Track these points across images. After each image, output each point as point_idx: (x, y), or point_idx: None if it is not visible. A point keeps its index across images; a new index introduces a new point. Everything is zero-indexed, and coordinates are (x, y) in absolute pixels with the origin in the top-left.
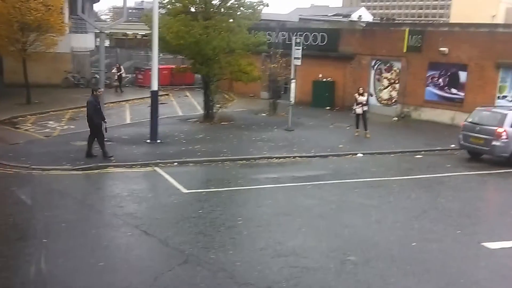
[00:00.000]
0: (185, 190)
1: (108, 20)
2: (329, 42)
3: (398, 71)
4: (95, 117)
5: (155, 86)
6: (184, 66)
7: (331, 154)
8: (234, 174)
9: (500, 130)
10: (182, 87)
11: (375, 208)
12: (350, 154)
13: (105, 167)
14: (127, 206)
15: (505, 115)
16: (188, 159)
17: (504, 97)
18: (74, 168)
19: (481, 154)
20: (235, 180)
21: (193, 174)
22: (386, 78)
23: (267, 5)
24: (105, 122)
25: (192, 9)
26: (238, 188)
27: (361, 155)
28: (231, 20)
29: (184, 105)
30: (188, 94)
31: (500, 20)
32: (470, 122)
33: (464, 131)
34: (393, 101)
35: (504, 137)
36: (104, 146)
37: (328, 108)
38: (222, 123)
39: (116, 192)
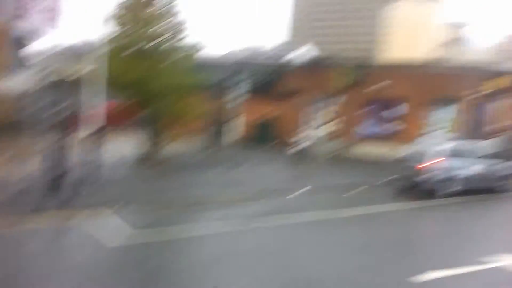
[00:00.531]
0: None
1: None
2: (271, 80)
3: (337, 107)
4: None
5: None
6: (124, 104)
7: (274, 192)
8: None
9: (429, 162)
10: (122, 128)
11: (315, 243)
12: (293, 191)
13: None
14: None
15: (436, 148)
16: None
17: (437, 130)
18: None
19: (416, 187)
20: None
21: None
22: (326, 114)
23: (208, 46)
24: None
25: (136, 47)
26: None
27: (304, 191)
28: (172, 59)
29: (121, 147)
30: (126, 135)
31: (430, 58)
32: (405, 156)
33: (400, 165)
34: (333, 137)
35: (433, 169)
36: None
37: (271, 145)
38: (162, 164)
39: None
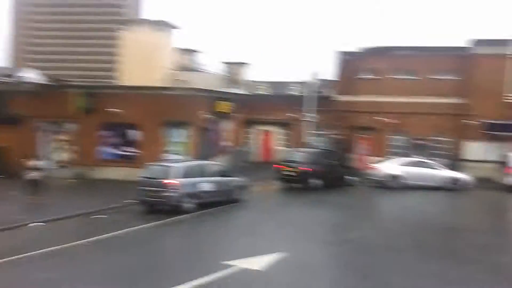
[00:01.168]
0: None
1: None
2: None
3: (72, 132)
4: None
5: None
6: None
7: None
8: None
9: (169, 181)
10: None
11: (56, 281)
12: (23, 224)
13: None
14: None
15: (172, 168)
16: None
17: (171, 151)
18: None
19: (157, 205)
20: None
21: None
22: (61, 140)
23: None
24: None
25: None
26: None
27: (37, 224)
28: None
29: None
30: None
31: (162, 83)
32: (144, 177)
33: (140, 186)
34: (69, 162)
35: (173, 187)
36: None
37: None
38: None
39: None
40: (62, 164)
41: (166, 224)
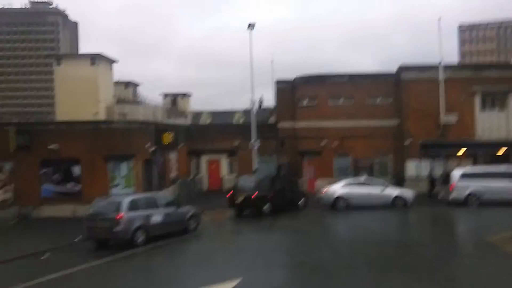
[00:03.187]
0: None
1: None
2: None
3: (9, 171)
4: None
5: None
6: None
7: None
8: None
9: (118, 216)
10: None
11: None
12: None
13: None
14: None
15: (120, 202)
16: None
17: (117, 185)
18: None
19: (107, 241)
20: None
21: None
22: None
23: None
24: None
25: None
26: None
27: None
28: None
29: None
30: None
31: (102, 117)
32: (92, 212)
33: (88, 222)
34: (8, 203)
35: (123, 221)
36: None
37: None
38: None
39: None
40: (2, 205)
41: (117, 260)
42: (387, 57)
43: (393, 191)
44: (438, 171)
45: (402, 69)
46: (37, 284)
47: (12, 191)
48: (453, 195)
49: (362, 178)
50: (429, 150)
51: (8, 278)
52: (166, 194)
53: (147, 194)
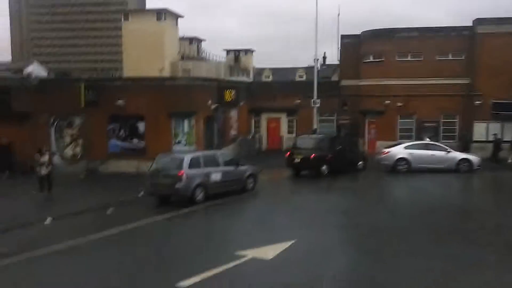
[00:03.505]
0: None
1: None
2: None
3: (79, 126)
4: None
5: None
6: None
7: (14, 226)
8: None
9: (180, 173)
10: None
11: (70, 274)
12: (37, 221)
13: None
14: None
15: (183, 159)
16: None
17: (180, 142)
18: None
19: (169, 197)
20: None
21: None
22: (68, 134)
23: None
24: None
25: None
26: None
27: (50, 220)
28: None
29: None
30: None
31: (167, 73)
32: (154, 169)
33: (151, 178)
34: (78, 157)
35: (184, 178)
36: None
37: (8, 172)
38: None
39: None
40: (73, 160)
41: (178, 216)
42: (461, 13)
43: (458, 154)
44: (509, 135)
45: (478, 21)
46: (102, 238)
47: (82, 146)
48: None
49: (427, 140)
50: (501, 112)
51: (77, 230)
52: (227, 152)
53: (208, 152)
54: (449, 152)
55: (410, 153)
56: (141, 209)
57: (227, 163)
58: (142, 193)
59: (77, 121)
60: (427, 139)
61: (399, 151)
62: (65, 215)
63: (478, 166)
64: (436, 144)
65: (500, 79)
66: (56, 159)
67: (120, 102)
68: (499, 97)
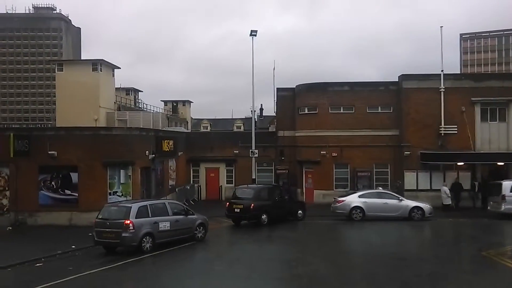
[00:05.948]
0: None
1: None
2: None
3: (7, 177)
4: None
5: None
6: None
7: None
8: None
9: (127, 222)
10: None
11: None
12: None
13: None
14: None
15: (130, 208)
16: None
17: (115, 192)
18: None
19: (115, 247)
20: None
21: None
22: None
23: None
24: None
25: None
26: None
27: None
28: None
29: None
30: None
31: (102, 123)
32: (100, 218)
33: (97, 228)
34: (5, 209)
35: (131, 228)
36: None
37: None
38: None
39: None
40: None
41: (118, 268)
42: (389, 68)
43: (410, 203)
44: (436, 182)
45: (403, 77)
46: None
47: (9, 197)
48: (507, 206)
49: (378, 189)
50: (428, 161)
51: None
52: (176, 201)
53: (157, 201)
54: (401, 200)
55: (364, 202)
56: (77, 262)
57: (176, 212)
58: (74, 246)
59: (5, 171)
60: (380, 188)
61: (354, 199)
62: None
63: (430, 213)
64: (388, 193)
65: (425, 131)
66: None
67: (52, 152)
68: (426, 147)
